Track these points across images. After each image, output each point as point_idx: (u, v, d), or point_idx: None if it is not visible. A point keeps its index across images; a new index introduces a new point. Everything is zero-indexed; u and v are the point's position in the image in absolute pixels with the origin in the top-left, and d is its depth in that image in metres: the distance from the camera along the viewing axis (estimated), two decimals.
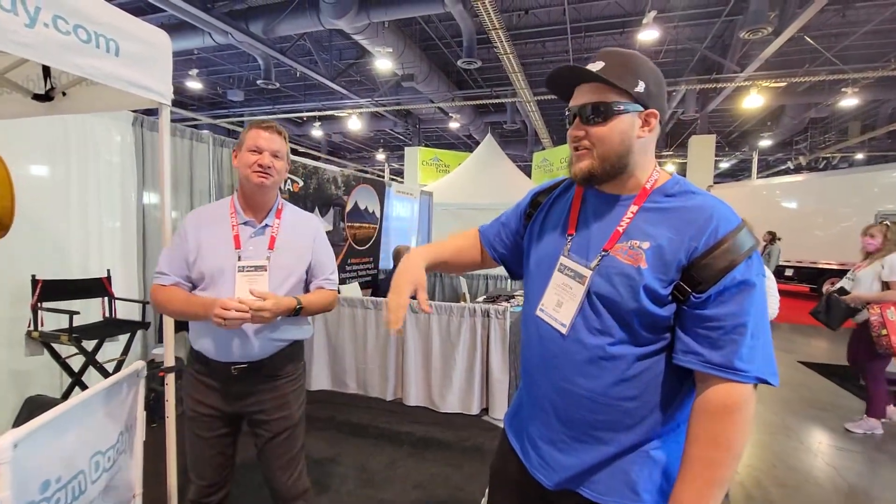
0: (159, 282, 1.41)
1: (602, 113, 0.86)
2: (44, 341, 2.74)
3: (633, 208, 0.89)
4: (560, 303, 0.92)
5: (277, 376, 1.46)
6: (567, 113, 0.93)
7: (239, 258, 1.40)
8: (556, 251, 0.97)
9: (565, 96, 0.95)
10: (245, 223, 1.45)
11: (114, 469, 1.33)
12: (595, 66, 0.87)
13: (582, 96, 0.89)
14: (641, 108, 0.87)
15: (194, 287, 1.43)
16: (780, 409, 3.74)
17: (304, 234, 1.52)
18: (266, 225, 1.47)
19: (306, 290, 1.54)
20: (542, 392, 0.96)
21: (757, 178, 14.40)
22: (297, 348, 1.54)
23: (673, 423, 0.89)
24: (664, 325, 0.84)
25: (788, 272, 10.64)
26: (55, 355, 2.80)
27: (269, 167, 1.40)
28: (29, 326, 2.75)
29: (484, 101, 12.27)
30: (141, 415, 1.52)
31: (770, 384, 0.80)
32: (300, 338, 1.53)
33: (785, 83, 9.89)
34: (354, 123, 13.55)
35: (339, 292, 1.62)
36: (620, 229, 0.89)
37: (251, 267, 1.39)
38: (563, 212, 1.02)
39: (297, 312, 1.39)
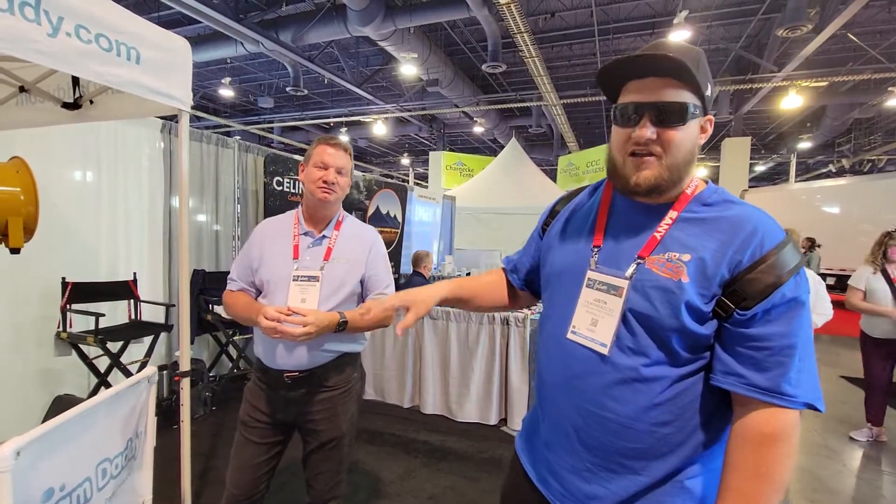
0: (229, 287, 1.53)
1: (682, 115, 0.77)
2: (71, 342, 2.83)
3: (673, 214, 0.82)
4: (595, 321, 0.83)
5: (328, 387, 1.47)
6: (626, 108, 0.80)
7: (295, 268, 1.44)
8: (581, 264, 0.89)
9: (612, 90, 0.85)
10: (305, 234, 1.50)
11: (122, 476, 1.33)
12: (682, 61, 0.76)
13: (653, 92, 0.77)
14: (703, 114, 0.81)
15: (259, 294, 1.51)
16: (820, 428, 3.51)
17: (360, 246, 1.53)
18: (324, 236, 1.51)
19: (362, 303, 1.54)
20: (565, 416, 0.87)
21: (795, 181, 13.77)
22: (350, 360, 1.54)
23: (710, 450, 0.81)
24: (704, 343, 0.77)
25: (830, 280, 10.08)
26: (82, 356, 2.89)
27: (333, 183, 1.44)
28: (58, 327, 2.84)
29: (509, 105, 12.18)
30: (152, 420, 1.52)
31: (817, 410, 0.73)
32: (351, 350, 1.53)
33: (826, 83, 9.41)
34: (380, 128, 13.69)
35: None
36: (658, 236, 0.81)
37: (305, 277, 1.43)
38: (588, 221, 0.94)
39: (341, 328, 1.37)
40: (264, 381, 1.47)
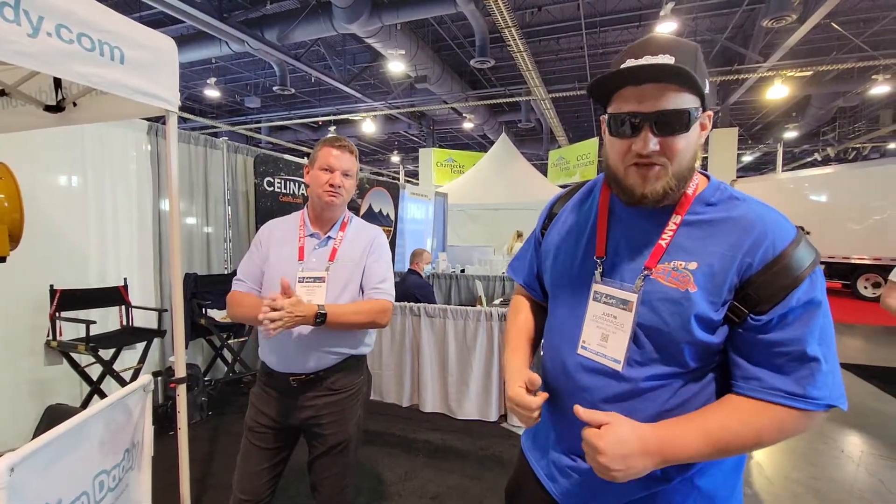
0: (236, 287, 1.49)
1: (685, 123, 0.71)
2: (62, 350, 2.77)
3: (676, 219, 0.78)
4: (605, 336, 0.81)
5: (335, 390, 1.45)
6: (622, 119, 0.74)
7: (301, 269, 1.43)
8: (585, 276, 0.86)
9: (604, 97, 0.79)
10: (311, 235, 1.49)
11: (119, 488, 1.30)
12: (662, 60, 0.70)
13: (652, 100, 0.71)
14: (702, 111, 0.75)
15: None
16: None
17: (362, 245, 1.51)
18: (329, 237, 1.49)
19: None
20: (574, 422, 0.83)
21: (782, 170, 13.93)
22: (356, 362, 1.51)
23: None
24: (715, 350, 0.75)
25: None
26: (74, 364, 2.83)
27: (339, 186, 1.42)
28: (48, 336, 2.78)
29: (498, 101, 12.16)
30: (149, 429, 1.48)
31: (840, 408, 0.72)
32: (357, 353, 1.50)
33: (811, 72, 9.52)
34: (369, 126, 13.60)
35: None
36: (663, 243, 0.78)
37: (311, 278, 1.42)
38: (586, 227, 0.90)
39: (320, 320, 1.30)
40: (270, 385, 1.46)
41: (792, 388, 0.70)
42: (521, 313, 1.07)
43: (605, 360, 0.80)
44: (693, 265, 0.74)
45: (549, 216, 1.01)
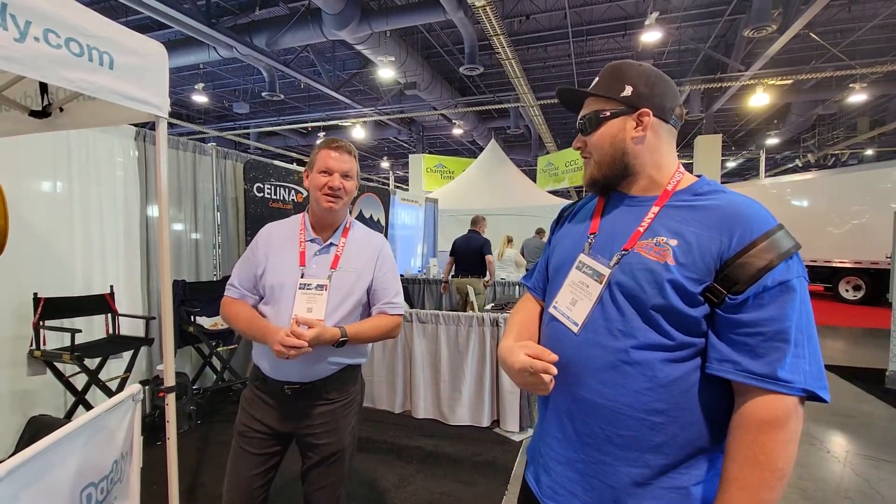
0: (228, 294, 1.46)
1: (591, 122, 0.92)
2: (46, 360, 2.70)
3: (655, 209, 0.86)
4: (574, 301, 0.88)
5: (330, 400, 1.42)
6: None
7: (302, 275, 1.39)
8: (577, 250, 0.93)
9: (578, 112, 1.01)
10: (311, 241, 1.45)
11: (108, 501, 1.27)
12: (594, 83, 0.94)
13: (582, 111, 0.96)
14: (630, 111, 0.88)
15: (260, 299, 1.45)
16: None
17: (367, 254, 1.48)
18: (331, 243, 1.46)
19: (369, 313, 1.50)
20: (560, 405, 0.88)
21: (765, 176, 14.22)
22: (352, 372, 1.49)
23: (717, 451, 0.80)
24: (696, 328, 0.77)
25: None
26: (58, 374, 2.76)
27: (339, 189, 1.40)
28: (31, 346, 2.71)
29: (487, 107, 12.25)
30: (138, 440, 1.45)
31: (821, 399, 0.72)
32: (354, 363, 1.48)
33: (791, 81, 9.75)
34: (358, 132, 13.60)
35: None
36: (641, 229, 0.85)
37: (312, 286, 1.38)
38: (587, 215, 0.99)
39: (341, 345, 1.32)
40: (263, 390, 1.42)
41: (763, 370, 0.72)
42: (519, 312, 1.11)
43: (567, 322, 0.89)
44: (674, 242, 0.80)
45: (560, 217, 1.11)
